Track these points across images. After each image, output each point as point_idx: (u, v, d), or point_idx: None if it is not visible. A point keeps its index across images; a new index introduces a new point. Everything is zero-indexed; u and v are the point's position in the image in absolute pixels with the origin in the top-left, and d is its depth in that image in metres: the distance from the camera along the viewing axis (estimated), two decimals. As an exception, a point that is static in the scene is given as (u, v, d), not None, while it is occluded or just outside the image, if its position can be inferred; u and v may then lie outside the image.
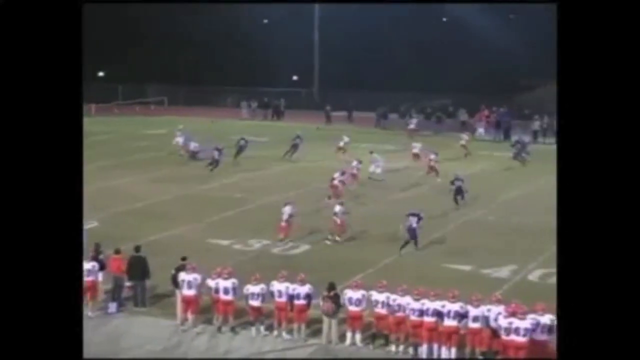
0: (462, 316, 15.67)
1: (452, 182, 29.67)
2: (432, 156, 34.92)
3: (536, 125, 49.87)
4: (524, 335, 14.95)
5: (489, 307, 15.74)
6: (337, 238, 24.17)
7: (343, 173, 30.44)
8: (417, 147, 37.94)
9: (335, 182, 29.52)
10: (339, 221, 24.34)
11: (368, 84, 61.48)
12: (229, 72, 66.80)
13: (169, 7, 63.60)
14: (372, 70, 63.43)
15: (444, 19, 70.10)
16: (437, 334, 15.75)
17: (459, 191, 29.14)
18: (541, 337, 15.09)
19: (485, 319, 15.58)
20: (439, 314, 15.72)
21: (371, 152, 36.12)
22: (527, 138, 42.53)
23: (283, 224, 24.02)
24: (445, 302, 15.74)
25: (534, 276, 21.22)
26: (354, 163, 33.33)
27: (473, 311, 15.65)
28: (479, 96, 55.49)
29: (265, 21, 70.35)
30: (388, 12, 63.33)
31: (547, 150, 41.15)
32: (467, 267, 21.71)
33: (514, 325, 15.07)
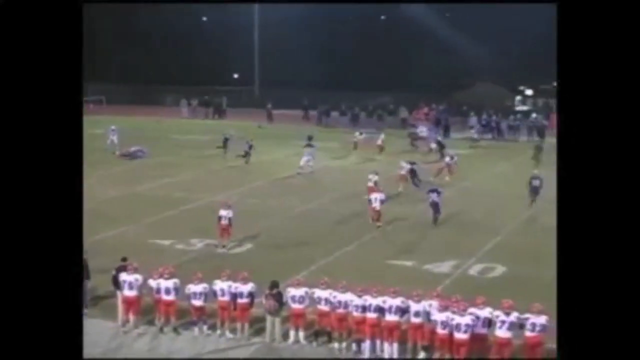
0: (403, 311, 15.79)
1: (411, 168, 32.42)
2: (448, 158, 35.25)
3: (473, 121, 50.61)
4: (465, 332, 15.12)
5: (429, 302, 15.90)
6: (378, 224, 25.68)
7: (376, 174, 30.12)
8: (405, 168, 32.98)
9: (370, 184, 29.34)
10: (377, 208, 25.79)
11: (309, 82, 61.54)
12: (168, 71, 66.22)
13: (108, 4, 62.62)
14: (313, 68, 63.47)
15: (382, 17, 70.54)
16: (379, 330, 15.85)
17: (414, 174, 31.84)
18: (481, 330, 15.27)
19: (427, 314, 15.73)
20: (380, 310, 15.82)
21: (307, 144, 36.07)
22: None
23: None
24: (387, 298, 15.85)
25: (474, 271, 21.51)
26: (403, 164, 33.10)
27: (414, 306, 15.78)
28: (418, 94, 56.05)
29: (204, 19, 69.86)
30: (329, 10, 63.47)
31: (488, 146, 42.05)
32: (409, 263, 21.90)
33: (455, 322, 15.23)
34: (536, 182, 29.31)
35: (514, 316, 15.04)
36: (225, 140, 39.07)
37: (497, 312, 15.21)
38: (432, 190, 26.95)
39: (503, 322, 15.04)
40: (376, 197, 26.10)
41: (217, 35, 64.65)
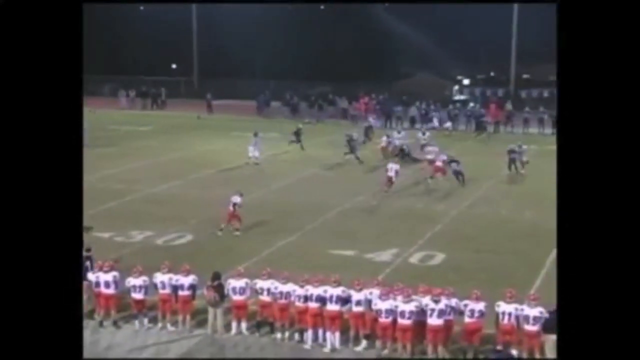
0: (344, 300, 15.87)
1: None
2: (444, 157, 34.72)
3: (413, 111, 51.06)
4: (409, 318, 15.28)
5: (371, 290, 16.02)
6: (386, 189, 28.97)
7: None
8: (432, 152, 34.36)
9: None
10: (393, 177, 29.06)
11: (248, 72, 61.29)
12: (105, 61, 65.14)
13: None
14: (253, 58, 63.24)
15: (322, 7, 70.61)
16: (321, 319, 15.91)
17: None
18: (421, 318, 15.44)
19: (368, 303, 15.84)
20: (322, 300, 15.88)
21: (255, 134, 35.96)
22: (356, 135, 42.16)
23: (230, 210, 24.31)
24: (328, 287, 15.91)
25: (414, 259, 21.74)
26: (441, 156, 32.79)
27: (356, 295, 15.88)
28: (358, 84, 56.28)
29: (142, 8, 68.94)
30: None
31: (433, 135, 42.35)
32: (350, 252, 22.01)
33: (399, 309, 15.38)
34: (455, 166, 30.97)
35: (443, 303, 15.23)
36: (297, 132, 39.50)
37: (426, 301, 15.39)
38: (453, 161, 31.15)
39: (433, 310, 15.22)
40: (392, 167, 29.57)
41: (155, 24, 63.90)
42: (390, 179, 29.32)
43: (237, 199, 23.72)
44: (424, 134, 39.69)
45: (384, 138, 38.35)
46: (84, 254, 17.23)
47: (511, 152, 33.91)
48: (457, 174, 30.81)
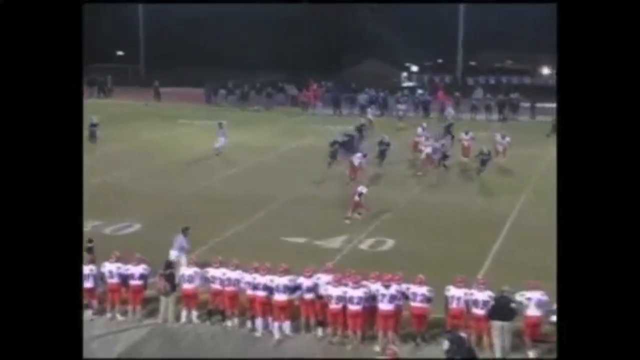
0: (291, 289, 15.88)
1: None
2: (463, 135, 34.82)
3: (363, 99, 51.21)
4: (358, 304, 15.38)
5: (319, 276, 16.06)
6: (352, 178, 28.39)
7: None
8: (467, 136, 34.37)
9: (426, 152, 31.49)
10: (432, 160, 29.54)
11: (197, 59, 60.74)
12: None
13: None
14: (201, 45, 62.72)
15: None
16: (269, 308, 15.90)
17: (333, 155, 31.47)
18: (372, 304, 15.53)
19: (318, 289, 15.88)
20: (268, 289, 15.87)
21: (220, 124, 35.64)
22: None
23: (358, 201, 24.39)
24: (274, 277, 15.90)
25: (365, 245, 21.87)
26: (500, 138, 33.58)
27: (306, 282, 15.93)
28: (306, 72, 56.20)
29: (88, -6, 67.72)
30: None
31: (377, 122, 42.58)
32: (301, 240, 22.04)
33: (348, 295, 15.47)
34: (382, 147, 31.74)
35: (393, 289, 15.36)
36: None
37: (376, 286, 15.49)
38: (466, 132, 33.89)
39: (383, 295, 15.34)
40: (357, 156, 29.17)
41: (100, 11, 62.88)
42: (354, 170, 29.04)
43: (363, 189, 24.57)
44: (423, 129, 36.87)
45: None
46: (87, 245, 17.03)
47: (460, 141, 34.28)
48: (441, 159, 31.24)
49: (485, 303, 15.05)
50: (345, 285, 15.60)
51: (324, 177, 30.06)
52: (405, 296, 15.54)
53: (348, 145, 32.70)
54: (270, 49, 62.90)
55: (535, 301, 14.92)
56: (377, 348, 14.70)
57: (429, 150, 31.60)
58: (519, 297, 15.04)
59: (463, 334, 14.16)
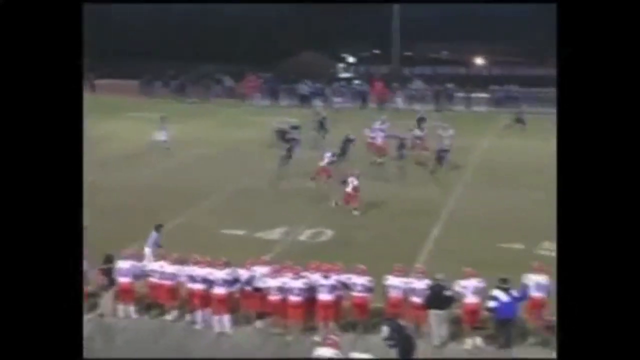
0: (231, 282, 15.85)
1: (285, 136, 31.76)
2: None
3: (303, 89, 51.21)
4: (298, 295, 15.43)
5: (260, 268, 16.07)
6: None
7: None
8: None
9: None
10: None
11: (132, 51, 59.92)
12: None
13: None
14: (137, 37, 61.89)
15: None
16: (208, 301, 15.85)
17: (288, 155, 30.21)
18: (312, 294, 15.60)
19: (259, 281, 15.88)
20: (207, 282, 15.82)
21: (163, 117, 35.18)
22: None
23: (351, 194, 24.03)
24: (213, 270, 15.85)
25: (304, 236, 21.94)
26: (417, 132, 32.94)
27: (245, 274, 15.92)
28: (244, 63, 55.95)
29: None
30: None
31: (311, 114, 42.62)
32: (240, 232, 22.00)
33: (287, 286, 15.51)
34: (346, 144, 30.70)
35: (333, 279, 15.45)
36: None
37: (316, 277, 15.57)
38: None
39: (323, 286, 15.43)
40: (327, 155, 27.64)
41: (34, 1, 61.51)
42: (323, 170, 27.34)
43: (354, 181, 24.03)
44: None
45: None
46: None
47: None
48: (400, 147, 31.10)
49: (423, 292, 15.25)
50: (284, 276, 15.64)
51: (265, 169, 30.01)
52: (345, 286, 15.65)
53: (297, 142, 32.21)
54: (206, 40, 62.43)
55: (472, 289, 15.17)
56: (317, 338, 14.78)
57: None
58: (457, 285, 15.29)
59: (402, 322, 14.36)
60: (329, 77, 56.98)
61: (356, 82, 56.24)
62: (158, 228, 18.67)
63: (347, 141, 30.96)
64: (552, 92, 49.07)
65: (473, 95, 49.14)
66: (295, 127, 33.96)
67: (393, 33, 56.30)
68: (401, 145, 30.97)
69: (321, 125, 35.64)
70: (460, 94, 49.32)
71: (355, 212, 23.84)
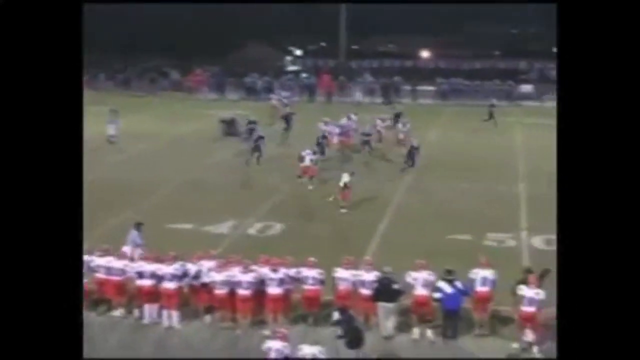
0: (179, 277, 15.73)
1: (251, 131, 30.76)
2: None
3: (247, 82, 51.02)
4: (247, 289, 15.39)
5: (206, 263, 15.97)
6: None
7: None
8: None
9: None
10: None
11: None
12: None
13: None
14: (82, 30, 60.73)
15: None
16: (157, 296, 15.71)
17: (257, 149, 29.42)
18: (261, 288, 15.56)
19: (206, 276, 15.79)
20: (156, 277, 15.67)
21: (113, 111, 34.62)
22: None
23: (345, 191, 23.72)
24: (162, 266, 15.72)
25: (253, 230, 21.88)
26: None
27: (193, 269, 15.82)
28: (190, 56, 55.51)
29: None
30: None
31: (260, 107, 42.55)
32: (188, 226, 21.84)
33: (236, 279, 15.46)
34: (322, 140, 30.14)
35: (282, 273, 15.45)
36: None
37: (265, 271, 15.54)
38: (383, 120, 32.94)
39: (272, 279, 15.42)
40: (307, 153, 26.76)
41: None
42: (307, 169, 26.65)
43: (347, 177, 23.80)
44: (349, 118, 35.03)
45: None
46: None
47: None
48: (366, 143, 31.09)
49: (372, 284, 15.33)
50: (231, 270, 15.60)
51: (213, 162, 29.84)
52: (294, 279, 15.66)
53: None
54: (153, 33, 61.72)
55: (421, 281, 15.29)
56: (267, 332, 14.77)
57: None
58: (407, 277, 15.40)
59: (352, 312, 14.44)
60: (276, 70, 56.84)
61: (303, 75, 56.24)
62: (137, 226, 18.29)
63: (323, 138, 30.34)
64: (497, 84, 49.89)
65: (419, 88, 49.53)
66: (252, 122, 33.39)
67: (340, 26, 56.41)
68: (365, 142, 30.96)
69: (286, 121, 35.15)
70: (407, 87, 49.66)
71: (343, 210, 23.66)
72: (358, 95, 48.39)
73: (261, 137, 29.71)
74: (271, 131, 33.65)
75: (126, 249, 17.23)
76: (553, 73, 58.63)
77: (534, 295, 14.43)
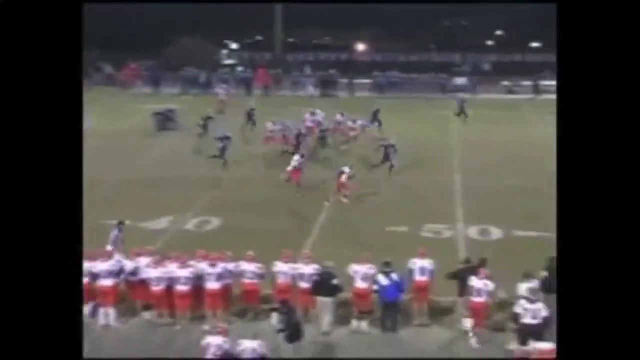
0: (115, 274, 15.52)
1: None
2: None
3: (182, 76, 50.47)
4: (185, 284, 15.27)
5: (139, 259, 15.78)
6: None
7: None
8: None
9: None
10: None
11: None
12: None
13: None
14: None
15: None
16: (94, 294, 15.47)
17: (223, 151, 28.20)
18: (200, 283, 15.46)
19: (143, 272, 15.61)
20: (92, 275, 15.43)
21: None
22: None
23: (345, 183, 23.70)
24: (97, 263, 15.48)
25: (191, 225, 21.71)
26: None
27: (129, 265, 15.64)
28: (125, 49, 54.70)
29: None
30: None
31: (198, 101, 42.23)
32: (126, 222, 21.48)
33: (175, 275, 15.33)
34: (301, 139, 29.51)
35: (220, 267, 15.37)
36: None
37: (203, 266, 15.44)
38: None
39: (210, 274, 15.33)
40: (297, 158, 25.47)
41: None
42: (296, 172, 25.24)
43: (346, 169, 23.80)
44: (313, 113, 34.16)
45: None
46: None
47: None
48: (323, 139, 30.98)
49: (311, 277, 15.35)
50: (169, 266, 15.45)
51: (150, 158, 29.49)
52: (233, 274, 15.59)
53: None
54: (86, 26, 60.58)
55: (362, 274, 15.37)
56: (206, 327, 14.67)
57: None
58: (349, 269, 15.46)
59: (293, 305, 14.46)
60: (212, 64, 56.41)
61: (239, 69, 55.93)
62: (120, 225, 17.98)
63: (300, 136, 29.72)
64: (432, 77, 50.46)
65: (356, 81, 49.72)
66: (209, 118, 32.80)
67: (276, 19, 56.29)
68: (322, 137, 30.69)
69: (249, 118, 34.36)
70: (344, 80, 49.80)
71: (345, 200, 23.62)
72: (311, 89, 48.41)
73: (227, 138, 28.49)
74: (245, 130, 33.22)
75: (109, 248, 16.93)
76: (486, 66, 59.84)
77: (483, 287, 14.66)
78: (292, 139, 29.76)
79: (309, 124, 32.33)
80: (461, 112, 37.33)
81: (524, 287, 14.44)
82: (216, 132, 29.37)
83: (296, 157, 25.44)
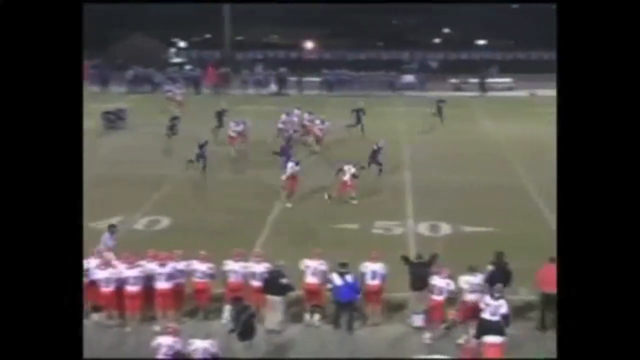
0: None
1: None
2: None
3: (130, 74, 49.96)
4: (134, 284, 15.13)
5: (88, 260, 15.54)
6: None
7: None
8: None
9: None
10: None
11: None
12: None
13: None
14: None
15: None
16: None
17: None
18: (150, 283, 15.32)
19: (88, 274, 15.42)
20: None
21: None
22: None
23: (348, 182, 23.43)
24: None
25: (140, 225, 21.50)
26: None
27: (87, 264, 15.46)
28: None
29: None
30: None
31: (146, 99, 41.80)
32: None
33: (123, 275, 15.20)
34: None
35: (170, 267, 15.27)
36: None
37: (152, 266, 15.32)
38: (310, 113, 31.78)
39: (160, 274, 15.21)
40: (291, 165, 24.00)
41: None
42: (293, 179, 23.96)
43: (352, 169, 23.54)
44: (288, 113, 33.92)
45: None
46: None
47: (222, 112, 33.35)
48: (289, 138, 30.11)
49: (262, 275, 15.34)
50: (115, 267, 15.30)
51: (98, 158, 29.08)
52: (183, 273, 15.49)
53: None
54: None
55: (312, 269, 15.41)
56: (157, 327, 14.55)
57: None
58: (301, 264, 15.49)
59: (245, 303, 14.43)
60: (160, 62, 55.89)
61: (187, 67, 55.54)
62: (111, 228, 17.69)
63: (292, 139, 29.18)
64: (381, 75, 50.77)
65: (305, 79, 49.76)
66: (175, 118, 32.28)
67: (224, 17, 56.01)
68: (290, 138, 29.73)
69: (219, 117, 33.37)
70: (293, 78, 49.79)
71: (354, 201, 23.39)
72: (273, 87, 48.31)
73: (206, 143, 27.62)
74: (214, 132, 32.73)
75: (99, 250, 16.60)
76: (433, 63, 60.43)
77: (445, 286, 14.82)
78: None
79: (306, 123, 31.96)
80: (438, 112, 36.49)
81: (463, 280, 14.69)
82: (199, 139, 28.10)
83: (290, 164, 23.90)
